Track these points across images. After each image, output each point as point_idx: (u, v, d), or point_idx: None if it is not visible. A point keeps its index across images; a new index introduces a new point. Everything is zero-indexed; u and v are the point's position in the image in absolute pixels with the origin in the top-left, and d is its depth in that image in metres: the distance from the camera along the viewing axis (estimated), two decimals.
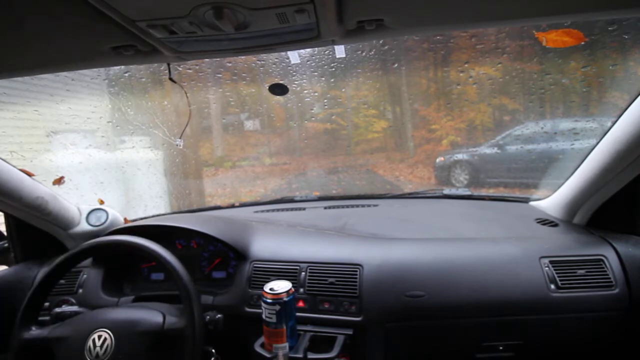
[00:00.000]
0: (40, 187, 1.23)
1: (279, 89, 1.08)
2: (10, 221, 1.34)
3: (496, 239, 1.14)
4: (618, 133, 0.96)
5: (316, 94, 2.85)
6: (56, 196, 1.30)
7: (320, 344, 0.98)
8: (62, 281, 1.16)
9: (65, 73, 1.20)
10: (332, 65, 1.89)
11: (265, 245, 1.20)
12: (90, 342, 0.86)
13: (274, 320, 0.89)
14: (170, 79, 0.91)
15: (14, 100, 2.73)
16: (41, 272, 1.28)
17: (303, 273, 1.09)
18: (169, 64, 0.87)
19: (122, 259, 1.26)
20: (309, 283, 1.07)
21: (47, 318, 1.02)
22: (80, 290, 1.20)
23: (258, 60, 1.83)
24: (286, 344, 0.90)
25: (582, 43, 0.77)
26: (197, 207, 1.79)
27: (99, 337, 0.86)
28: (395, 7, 0.60)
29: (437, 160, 5.46)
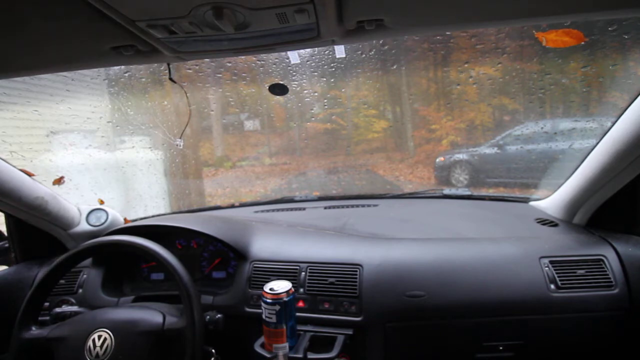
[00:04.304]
0: (40, 187, 1.23)
1: (279, 89, 1.08)
2: (10, 221, 1.34)
3: (496, 239, 1.14)
4: (618, 133, 0.96)
5: (316, 94, 2.85)
6: (56, 196, 1.30)
7: (320, 344, 0.98)
8: (62, 281, 1.16)
9: (65, 73, 1.20)
10: (332, 65, 1.89)
11: (265, 245, 1.20)
12: (90, 342, 0.86)
13: (274, 320, 0.89)
14: (170, 79, 0.91)
15: (14, 100, 2.73)
16: (41, 272, 1.28)
17: (303, 273, 1.09)
18: (169, 64, 0.87)
19: (122, 259, 1.26)
20: (309, 283, 1.07)
21: (47, 318, 1.02)
22: (80, 290, 1.20)
23: (258, 60, 1.82)
24: (286, 344, 0.90)
25: (582, 43, 0.77)
26: (197, 207, 1.79)
27: (99, 337, 0.86)
28: (395, 7, 0.60)
29: (437, 160, 5.45)
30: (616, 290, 0.98)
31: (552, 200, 1.33)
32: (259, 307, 0.92)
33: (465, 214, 1.43)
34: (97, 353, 0.84)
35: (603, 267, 1.01)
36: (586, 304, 0.98)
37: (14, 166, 1.15)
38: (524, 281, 1.00)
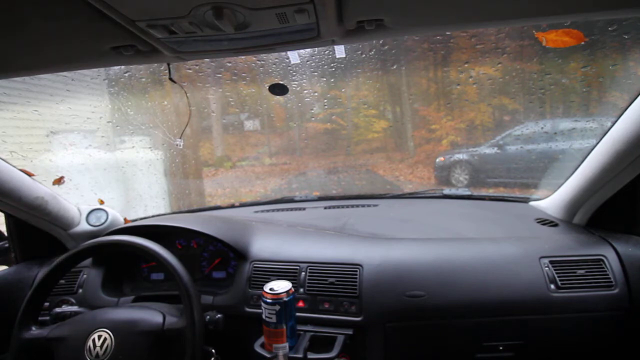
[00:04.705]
0: (40, 187, 1.23)
1: (279, 89, 1.08)
2: (10, 221, 1.34)
3: (496, 239, 1.14)
4: (618, 133, 0.96)
5: (316, 94, 2.85)
6: (56, 196, 1.30)
7: (320, 344, 0.98)
8: (62, 281, 1.16)
9: (65, 73, 1.21)
10: (332, 65, 1.89)
11: (265, 245, 1.20)
12: (90, 342, 0.86)
13: (274, 320, 0.89)
14: (171, 79, 0.91)
15: (14, 100, 2.73)
16: (41, 272, 1.28)
17: (303, 273, 1.09)
18: (169, 64, 0.87)
19: (122, 259, 1.26)
20: (309, 283, 1.07)
21: (47, 318, 1.02)
22: (80, 290, 1.20)
23: (258, 60, 1.82)
24: (286, 344, 0.90)
25: (582, 43, 0.77)
26: (197, 207, 1.79)
27: (99, 337, 0.86)
28: (395, 7, 0.60)
29: (437, 160, 5.46)
30: (616, 290, 0.98)
31: (552, 200, 1.33)
32: (259, 307, 0.92)
33: (465, 214, 1.43)
34: (97, 353, 0.84)
35: (603, 267, 1.01)
36: (586, 304, 0.98)
37: (14, 166, 1.14)
38: (524, 281, 1.00)
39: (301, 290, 1.07)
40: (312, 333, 1.00)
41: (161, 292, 1.17)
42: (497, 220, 1.35)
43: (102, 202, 1.51)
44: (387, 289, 1.03)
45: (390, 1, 0.58)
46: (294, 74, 1.87)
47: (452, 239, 1.17)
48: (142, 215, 1.67)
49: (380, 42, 2.03)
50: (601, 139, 1.02)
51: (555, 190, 1.32)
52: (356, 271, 1.06)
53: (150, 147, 3.54)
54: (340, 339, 0.98)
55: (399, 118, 7.12)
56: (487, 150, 4.93)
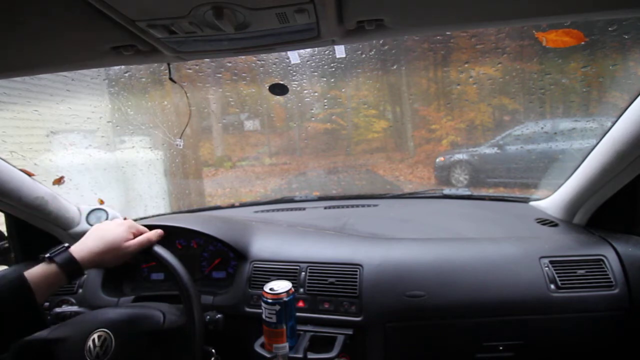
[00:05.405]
0: (40, 187, 1.23)
1: (279, 89, 1.08)
2: (10, 221, 1.34)
3: (496, 239, 1.14)
4: (618, 133, 0.96)
5: (316, 94, 2.86)
6: (56, 196, 1.30)
7: (320, 344, 0.98)
8: None
9: (65, 73, 1.21)
10: (332, 65, 1.89)
11: (265, 245, 1.20)
12: (90, 342, 0.86)
13: (274, 320, 0.89)
14: (171, 79, 0.91)
15: (14, 100, 2.74)
16: None
17: (303, 273, 1.09)
18: (169, 64, 0.87)
19: None
20: (309, 283, 1.07)
21: (47, 318, 1.02)
22: (80, 290, 1.20)
23: (258, 60, 1.82)
24: (286, 344, 0.90)
25: (582, 43, 0.77)
26: (197, 207, 1.79)
27: (99, 337, 0.86)
28: (395, 7, 0.60)
29: (437, 160, 5.46)
30: (616, 290, 0.98)
31: (552, 200, 1.33)
32: (259, 307, 0.92)
33: (465, 214, 1.43)
34: (97, 353, 0.84)
35: (603, 267, 1.01)
36: (586, 304, 0.98)
37: (14, 166, 1.14)
38: (524, 281, 1.00)
39: (301, 290, 1.06)
40: (312, 333, 1.00)
41: (161, 292, 1.17)
42: (497, 220, 1.35)
43: (102, 202, 1.51)
44: (387, 289, 1.03)
45: (390, 1, 0.58)
46: (294, 74, 1.87)
47: (452, 239, 1.17)
48: (142, 215, 1.67)
49: (380, 42, 2.04)
50: (601, 139, 1.02)
51: (555, 190, 1.32)
52: (356, 271, 1.06)
53: (150, 147, 3.55)
54: (340, 339, 0.98)
55: (399, 118, 7.13)
56: (487, 150, 4.94)
